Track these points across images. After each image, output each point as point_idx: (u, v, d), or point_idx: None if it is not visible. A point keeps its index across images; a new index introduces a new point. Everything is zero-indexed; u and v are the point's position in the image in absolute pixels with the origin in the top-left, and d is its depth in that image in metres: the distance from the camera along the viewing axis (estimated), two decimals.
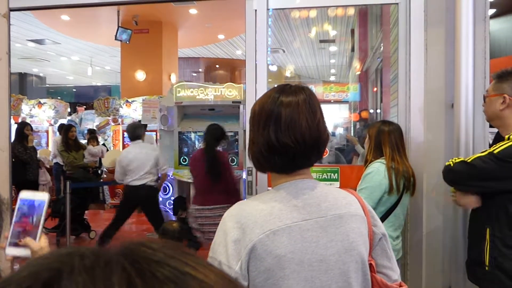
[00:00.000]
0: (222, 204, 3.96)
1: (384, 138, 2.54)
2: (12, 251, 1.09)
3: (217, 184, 4.02)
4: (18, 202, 1.15)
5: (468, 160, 2.06)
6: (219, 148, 4.23)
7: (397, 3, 2.95)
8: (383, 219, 2.43)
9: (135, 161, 4.88)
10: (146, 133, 8.27)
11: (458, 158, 2.16)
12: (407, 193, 2.52)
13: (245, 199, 1.15)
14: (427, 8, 2.75)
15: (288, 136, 1.06)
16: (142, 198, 4.94)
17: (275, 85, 1.21)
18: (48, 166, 7.76)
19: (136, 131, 5.05)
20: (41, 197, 1.16)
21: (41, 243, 1.14)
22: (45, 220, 1.16)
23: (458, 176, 2.10)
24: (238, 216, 1.05)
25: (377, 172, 2.45)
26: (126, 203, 5.11)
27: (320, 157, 1.14)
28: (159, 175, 5.14)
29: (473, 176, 2.03)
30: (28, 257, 1.12)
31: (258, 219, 1.02)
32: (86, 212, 6.34)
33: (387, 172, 2.45)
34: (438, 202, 2.69)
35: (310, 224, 1.04)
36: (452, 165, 2.12)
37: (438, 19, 2.74)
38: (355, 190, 2.57)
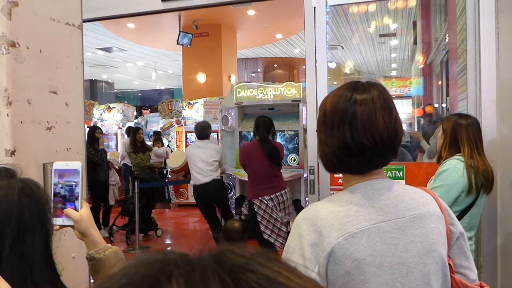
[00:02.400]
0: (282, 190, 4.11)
1: (461, 133, 2.36)
2: (55, 221, 1.12)
3: (276, 171, 4.12)
4: (53, 173, 1.16)
5: None
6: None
7: None
8: (457, 219, 2.29)
9: (200, 159, 5.12)
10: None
11: None
12: (484, 193, 2.35)
13: (319, 201, 1.10)
14: None
15: (364, 136, 1.01)
16: (214, 192, 5.16)
17: (335, 82, 1.17)
18: (117, 168, 8.18)
19: (205, 131, 5.31)
20: (75, 165, 1.17)
21: (81, 211, 1.16)
22: (85, 189, 1.17)
23: None
24: (314, 219, 1.01)
25: (454, 170, 2.28)
26: (200, 202, 5.32)
27: (396, 155, 1.09)
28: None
29: None
30: (71, 226, 1.15)
31: (335, 222, 0.99)
32: (153, 211, 6.60)
33: (465, 170, 2.28)
34: None
35: (389, 226, 1.00)
36: None
37: (510, 4, 2.57)
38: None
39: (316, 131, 1.13)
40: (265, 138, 4.18)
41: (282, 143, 6.59)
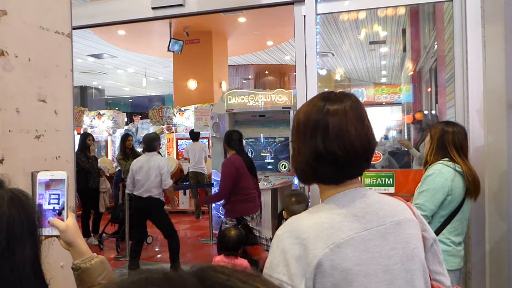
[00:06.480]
0: None
1: (448, 139, 2.43)
2: (41, 232, 1.09)
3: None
4: (38, 183, 1.15)
5: None
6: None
7: (452, 0, 2.84)
8: (445, 223, 2.32)
9: (142, 172, 4.90)
10: (200, 141, 8.51)
11: None
12: (470, 198, 2.39)
13: (298, 214, 1.09)
14: (484, 4, 2.63)
15: (336, 145, 1.02)
16: (147, 210, 4.95)
17: (325, 89, 1.18)
18: (108, 175, 8.12)
19: (151, 144, 5.05)
20: (60, 175, 1.16)
21: (67, 221, 1.15)
22: (73, 198, 1.15)
23: None
24: (297, 232, 0.99)
25: (439, 174, 2.34)
26: (136, 214, 5.11)
27: (369, 165, 1.10)
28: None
29: None
30: (57, 235, 1.14)
31: (319, 233, 0.97)
32: None
33: (456, 173, 2.34)
34: (501, 208, 2.55)
35: (372, 234, 1.00)
36: None
37: (496, 14, 2.61)
38: (412, 195, 2.48)
39: (291, 141, 1.14)
40: (243, 150, 4.17)
41: (275, 149, 6.62)
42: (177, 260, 4.93)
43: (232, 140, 4.15)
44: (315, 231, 0.98)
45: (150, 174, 4.89)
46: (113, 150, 11.07)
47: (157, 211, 5.02)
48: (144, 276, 0.35)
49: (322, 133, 1.03)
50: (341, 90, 1.12)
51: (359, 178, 1.11)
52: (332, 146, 1.02)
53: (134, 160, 5.18)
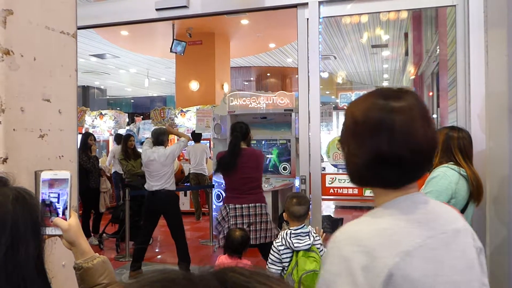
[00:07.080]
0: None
1: (454, 144, 2.45)
2: (44, 231, 1.09)
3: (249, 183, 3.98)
4: (41, 182, 1.16)
5: None
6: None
7: (455, 5, 2.85)
8: None
9: (153, 165, 4.88)
10: (201, 142, 8.53)
11: None
12: (473, 203, 2.40)
13: (355, 219, 1.00)
14: (487, 9, 2.64)
15: (404, 147, 0.93)
16: (161, 204, 4.93)
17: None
18: (108, 175, 8.13)
19: (159, 138, 5.04)
20: (64, 175, 1.17)
21: (70, 221, 1.16)
22: (76, 197, 1.15)
23: None
24: (358, 238, 0.91)
25: (444, 176, 2.35)
26: (148, 209, 5.06)
27: (431, 167, 1.04)
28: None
29: None
30: (60, 235, 1.16)
31: (383, 240, 0.90)
32: None
33: (460, 176, 2.35)
34: (502, 212, 2.56)
35: (436, 242, 0.93)
36: None
37: (499, 19, 2.62)
38: None
39: (340, 141, 1.05)
40: (235, 148, 3.98)
41: (276, 151, 6.63)
42: (187, 260, 4.88)
43: (232, 133, 4.12)
44: (378, 238, 0.90)
45: (157, 167, 4.88)
46: None
47: (172, 205, 5.02)
48: (163, 276, 0.35)
49: (386, 133, 0.93)
50: (399, 87, 1.02)
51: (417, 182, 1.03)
52: (398, 147, 0.93)
53: (144, 154, 5.10)
